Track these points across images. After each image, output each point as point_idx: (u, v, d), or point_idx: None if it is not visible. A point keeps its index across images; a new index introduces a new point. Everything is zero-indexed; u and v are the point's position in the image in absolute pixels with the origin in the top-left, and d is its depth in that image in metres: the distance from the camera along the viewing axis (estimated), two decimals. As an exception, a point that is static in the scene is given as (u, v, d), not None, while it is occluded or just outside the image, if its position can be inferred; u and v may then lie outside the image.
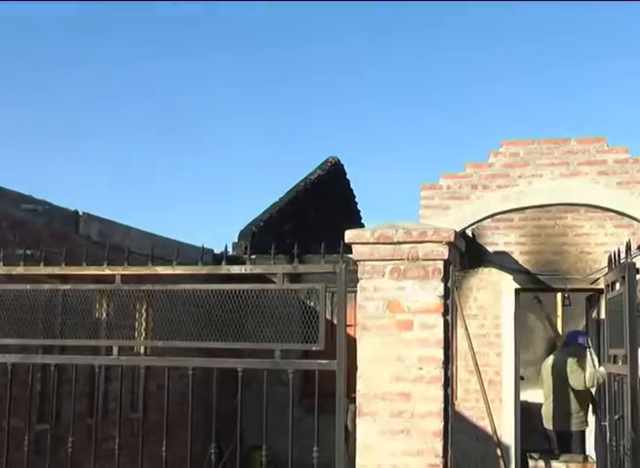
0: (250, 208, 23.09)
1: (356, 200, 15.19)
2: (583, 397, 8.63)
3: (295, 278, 4.16)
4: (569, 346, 8.84)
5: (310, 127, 25.38)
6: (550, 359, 8.95)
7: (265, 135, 24.12)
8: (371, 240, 3.97)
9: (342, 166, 14.48)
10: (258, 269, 4.14)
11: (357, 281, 4.00)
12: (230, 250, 10.63)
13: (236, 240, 10.97)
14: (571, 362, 8.53)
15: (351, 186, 14.93)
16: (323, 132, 25.44)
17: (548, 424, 8.68)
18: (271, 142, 24.39)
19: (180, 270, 4.14)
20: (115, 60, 21.63)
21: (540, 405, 9.02)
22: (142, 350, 7.61)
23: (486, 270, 9.40)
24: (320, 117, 24.50)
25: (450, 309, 3.98)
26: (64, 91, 21.95)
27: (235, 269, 4.14)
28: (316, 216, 12.95)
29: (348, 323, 3.93)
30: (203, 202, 24.64)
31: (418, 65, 23.66)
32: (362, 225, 14.08)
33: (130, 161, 23.83)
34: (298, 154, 24.49)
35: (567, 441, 8.62)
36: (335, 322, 3.89)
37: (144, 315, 6.38)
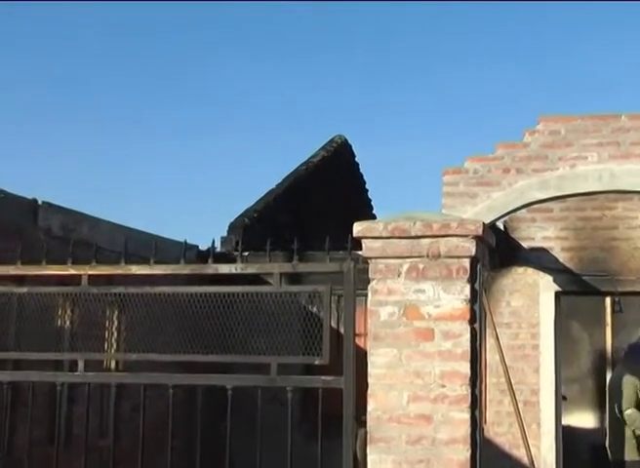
0: (241, 197, 23.17)
1: (367, 187, 15.23)
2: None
3: (294, 279, 4.18)
4: (629, 361, 8.79)
5: (313, 101, 25.45)
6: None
7: (259, 112, 24.17)
8: (384, 234, 3.97)
9: (350, 146, 14.48)
10: (250, 268, 4.15)
11: (368, 282, 4.01)
12: (218, 245, 10.67)
13: (225, 234, 11.00)
14: (628, 380, 8.50)
15: (361, 170, 14.95)
16: (327, 107, 25.51)
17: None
18: (265, 120, 24.45)
19: (158, 270, 4.14)
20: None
21: (586, 430, 9.02)
22: (113, 365, 7.64)
23: (520, 270, 9.40)
24: (324, 89, 24.56)
25: (478, 316, 3.99)
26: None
27: (224, 268, 4.15)
28: (319, 206, 12.96)
29: (357, 332, 3.95)
30: (186, 190, 24.72)
31: (437, 35, 23.74)
32: (374, 217, 14.09)
33: (100, 144, 23.96)
34: (297, 133, 24.53)
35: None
36: (341, 331, 3.91)
37: (116, 323, 6.40)
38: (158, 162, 25.26)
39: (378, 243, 3.99)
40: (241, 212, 11.56)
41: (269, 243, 4.15)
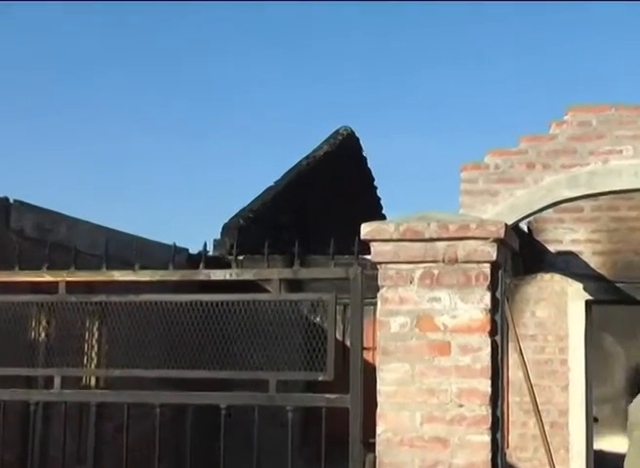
0: (238, 195, 23.24)
1: (375, 184, 15.25)
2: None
3: (295, 286, 4.20)
4: None
5: (316, 92, 25.50)
6: None
7: (257, 105, 24.26)
8: (395, 236, 4.00)
9: (357, 139, 14.50)
10: (247, 274, 4.16)
11: (377, 290, 4.03)
12: (211, 249, 10.69)
13: (219, 236, 11.02)
14: None
15: (369, 166, 14.97)
16: (331, 98, 25.55)
17: None
18: (264, 114, 24.53)
19: (144, 276, 4.17)
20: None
21: (620, 456, 9.02)
22: (94, 382, 7.66)
23: (547, 276, 9.42)
24: (328, 80, 24.62)
25: (499, 327, 4.02)
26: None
27: (217, 274, 4.17)
28: (323, 205, 12.98)
29: (365, 345, 3.97)
30: (177, 189, 24.80)
31: (451, 24, 23.85)
32: (384, 217, 14.11)
33: (82, 138, 24.12)
34: (299, 127, 24.61)
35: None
36: (348, 344, 3.93)
37: (97, 335, 6.42)
38: (150, 160, 25.41)
39: (388, 246, 4.01)
40: (236, 212, 11.58)
41: (267, 246, 4.16)
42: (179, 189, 25.31)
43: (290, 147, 25.51)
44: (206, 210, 24.41)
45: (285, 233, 11.01)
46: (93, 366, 7.01)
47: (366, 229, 4.03)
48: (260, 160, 24.96)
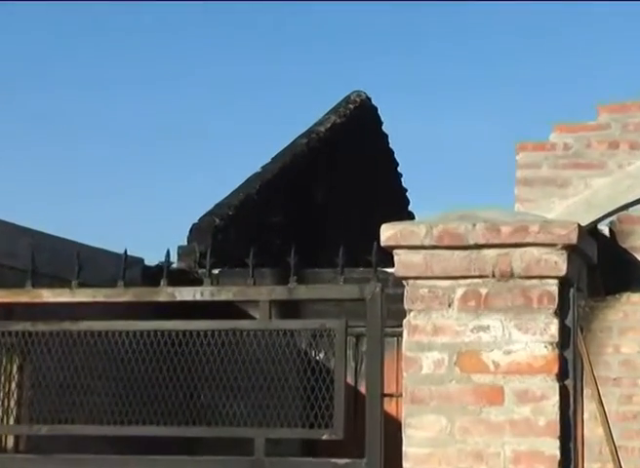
0: (212, 186, 23.26)
1: (400, 170, 15.19)
2: None
3: (291, 310, 4.19)
4: None
5: (326, 54, 25.52)
6: None
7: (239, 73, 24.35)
8: (427, 241, 4.01)
9: (376, 110, 14.45)
10: (225, 294, 4.17)
11: (403, 315, 4.03)
12: (175, 258, 10.59)
13: (185, 242, 10.94)
14: None
15: (390, 145, 14.91)
16: (344, 61, 25.56)
17: None
18: (249, 80, 24.62)
19: (84, 296, 4.17)
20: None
21: None
22: (11, 443, 7.65)
23: (636, 297, 9.41)
24: (340, 40, 24.65)
25: (571, 368, 4.03)
26: None
27: (184, 294, 4.18)
28: (328, 200, 12.95)
29: (387, 391, 3.99)
30: (130, 180, 24.87)
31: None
32: (412, 216, 14.07)
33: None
34: (298, 95, 24.64)
35: None
36: (362, 389, 3.93)
37: (17, 378, 6.42)
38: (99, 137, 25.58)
39: (418, 255, 4.02)
40: (210, 208, 11.43)
41: (253, 254, 4.16)
42: (133, 178, 25.26)
43: (285, 124, 25.42)
44: (170, 206, 24.36)
45: (276, 237, 10.99)
46: (11, 421, 7.00)
47: (388, 232, 4.03)
48: (244, 139, 24.94)
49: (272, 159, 12.51)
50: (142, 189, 24.92)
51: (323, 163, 12.98)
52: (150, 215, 24.91)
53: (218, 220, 11.22)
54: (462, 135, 25.19)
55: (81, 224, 22.13)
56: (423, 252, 4.02)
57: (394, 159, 14.93)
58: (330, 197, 13.03)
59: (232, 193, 11.80)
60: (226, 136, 25.23)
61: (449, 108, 25.84)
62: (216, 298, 4.14)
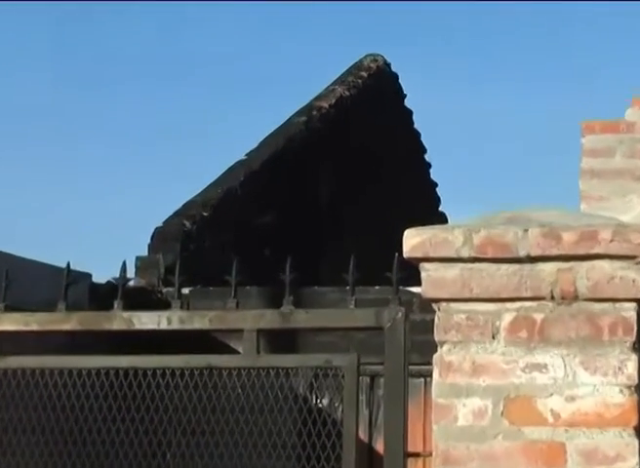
0: (182, 180, 23.58)
1: (427, 159, 15.26)
2: None
3: (285, 342, 4.17)
4: None
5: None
6: None
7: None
8: (465, 252, 4.01)
9: (397, 79, 14.53)
10: (198, 321, 4.18)
11: (432, 349, 4.01)
12: (132, 273, 10.62)
13: (146, 252, 10.96)
14: None
15: (415, 126, 14.98)
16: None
17: None
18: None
19: (11, 323, 4.14)
20: None
21: None
22: None
23: None
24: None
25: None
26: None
27: (145, 320, 4.19)
28: (333, 197, 12.99)
29: (411, 448, 3.95)
30: (130, 180, 25.26)
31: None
32: (444, 217, 14.15)
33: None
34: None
35: None
36: (379, 446, 3.91)
37: None
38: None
39: (453, 270, 4.02)
40: (180, 206, 11.44)
41: (235, 268, 4.16)
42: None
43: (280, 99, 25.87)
44: (129, 204, 24.79)
45: (265, 245, 11.02)
46: None
47: (413, 239, 4.03)
48: (244, 139, 25.52)
49: (260, 143, 12.49)
50: (143, 189, 25.58)
51: (326, 148, 13.02)
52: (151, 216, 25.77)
53: (188, 224, 11.21)
54: (510, 112, 25.45)
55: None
56: (460, 266, 4.02)
57: (421, 144, 15.06)
58: (335, 193, 13.10)
59: (207, 188, 11.78)
60: (226, 135, 25.74)
61: (492, 78, 26.05)
62: (187, 327, 4.14)
